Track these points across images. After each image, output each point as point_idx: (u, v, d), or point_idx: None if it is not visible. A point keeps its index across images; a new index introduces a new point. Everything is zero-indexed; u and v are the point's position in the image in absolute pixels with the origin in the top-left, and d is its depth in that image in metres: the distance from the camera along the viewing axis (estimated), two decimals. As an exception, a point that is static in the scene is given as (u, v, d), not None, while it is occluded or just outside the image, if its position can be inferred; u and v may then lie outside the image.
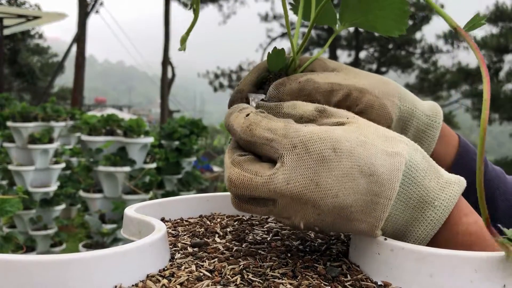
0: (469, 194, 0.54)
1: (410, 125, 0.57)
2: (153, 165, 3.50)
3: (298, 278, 0.45)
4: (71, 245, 4.71)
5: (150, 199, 3.42)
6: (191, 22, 0.53)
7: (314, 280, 0.45)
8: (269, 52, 0.53)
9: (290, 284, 0.43)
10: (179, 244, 0.53)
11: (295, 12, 0.56)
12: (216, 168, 8.19)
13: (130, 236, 0.55)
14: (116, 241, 2.88)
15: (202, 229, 0.59)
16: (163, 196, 3.93)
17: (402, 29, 0.53)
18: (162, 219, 0.63)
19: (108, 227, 3.00)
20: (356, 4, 0.53)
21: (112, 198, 3.20)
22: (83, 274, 0.40)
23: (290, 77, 0.52)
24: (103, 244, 2.81)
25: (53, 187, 3.87)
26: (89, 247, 3.10)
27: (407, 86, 14.28)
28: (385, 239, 0.46)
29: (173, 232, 0.58)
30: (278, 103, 0.50)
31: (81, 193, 3.32)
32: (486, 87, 0.41)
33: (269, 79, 0.54)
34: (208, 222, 0.63)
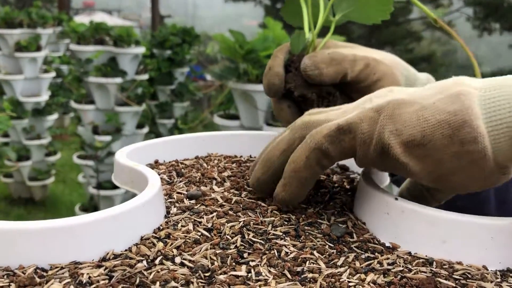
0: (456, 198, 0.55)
1: None
2: (145, 77, 3.41)
3: (302, 238, 0.43)
4: (66, 154, 4.75)
5: (144, 111, 3.38)
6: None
7: (318, 241, 0.42)
8: (292, 36, 0.59)
9: (294, 246, 0.41)
10: (175, 195, 0.49)
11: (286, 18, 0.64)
12: (209, 77, 8.04)
13: (122, 185, 0.52)
14: (110, 154, 2.87)
15: (199, 174, 0.56)
16: (157, 107, 3.89)
17: (386, 15, 0.58)
18: (156, 162, 0.60)
19: (101, 138, 2.99)
20: None
21: (105, 110, 3.15)
22: (71, 242, 0.37)
23: (317, 51, 0.57)
24: (96, 157, 2.81)
25: (44, 96, 3.80)
26: (83, 158, 3.11)
27: (408, -8, 13.69)
28: (396, 198, 0.43)
29: (168, 178, 0.55)
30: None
31: (73, 104, 3.26)
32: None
33: (294, 60, 0.58)
34: (204, 165, 0.59)
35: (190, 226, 0.43)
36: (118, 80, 3.07)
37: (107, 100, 3.14)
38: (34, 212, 3.90)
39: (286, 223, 0.45)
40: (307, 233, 0.44)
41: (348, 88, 0.58)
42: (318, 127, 0.44)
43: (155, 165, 0.59)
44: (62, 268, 0.36)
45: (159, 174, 0.55)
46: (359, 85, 0.57)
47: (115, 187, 3.08)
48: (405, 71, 0.60)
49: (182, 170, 0.57)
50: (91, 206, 3.20)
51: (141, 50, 3.24)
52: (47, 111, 3.86)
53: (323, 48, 0.59)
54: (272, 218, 0.46)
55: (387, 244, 0.43)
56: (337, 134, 0.42)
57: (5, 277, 0.35)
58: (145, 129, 3.36)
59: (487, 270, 0.39)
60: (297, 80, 0.56)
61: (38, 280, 0.35)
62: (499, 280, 0.37)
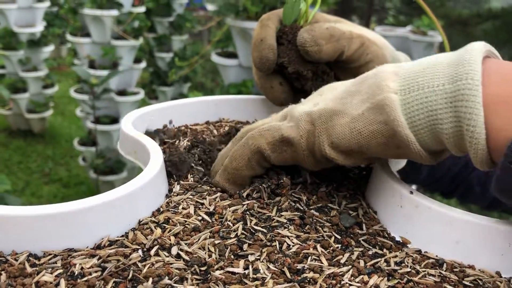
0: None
1: None
2: (142, 9, 3.29)
3: (306, 228, 0.40)
4: (63, 86, 4.69)
5: (141, 45, 3.29)
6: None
7: (325, 232, 0.40)
8: (285, 4, 0.53)
9: (297, 237, 0.39)
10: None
11: None
12: (210, 7, 7.75)
13: (126, 155, 0.50)
14: (106, 91, 2.82)
15: (208, 145, 0.53)
16: (155, 40, 3.78)
17: None
18: (165, 127, 0.57)
19: (98, 73, 2.92)
20: None
21: (101, 43, 3.06)
22: (65, 228, 0.35)
23: (314, 25, 0.52)
24: (93, 93, 2.75)
25: (39, 27, 3.69)
26: (80, 92, 3.06)
27: None
28: (411, 192, 0.41)
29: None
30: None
31: (69, 37, 3.16)
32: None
33: (286, 32, 0.53)
34: (215, 131, 0.57)
35: (191, 210, 0.41)
36: (114, 12, 2.96)
37: (103, 33, 3.04)
38: (33, 144, 3.91)
39: (293, 204, 0.43)
40: (314, 220, 0.41)
41: (337, 68, 0.55)
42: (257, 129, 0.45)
43: (164, 130, 0.56)
44: (55, 255, 0.35)
45: (164, 143, 0.53)
46: (351, 65, 0.54)
47: (112, 122, 3.06)
48: (392, 52, 0.58)
49: (190, 137, 0.54)
50: (89, 140, 3.18)
51: (138, -20, 3.10)
52: (42, 43, 3.76)
53: (312, 20, 0.54)
54: (279, 198, 0.43)
55: (397, 239, 0.41)
56: (280, 144, 0.44)
57: (-3, 264, 0.34)
58: (143, 64, 3.28)
59: (501, 277, 0.37)
60: (290, 54, 0.52)
61: (29, 270, 0.33)
62: None
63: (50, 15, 4.33)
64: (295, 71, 0.52)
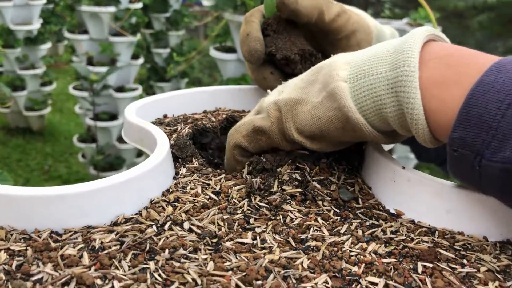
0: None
1: None
2: (139, 5, 3.30)
3: (307, 202, 0.43)
4: (61, 83, 4.70)
5: (138, 41, 3.31)
6: None
7: (325, 206, 0.43)
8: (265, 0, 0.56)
9: (299, 211, 0.42)
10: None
11: None
12: (205, 2, 7.72)
13: (131, 142, 0.53)
14: (105, 88, 2.84)
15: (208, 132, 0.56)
16: (152, 36, 3.80)
17: None
18: (165, 116, 0.60)
19: (96, 70, 2.94)
20: None
21: (99, 40, 3.07)
22: (83, 207, 0.38)
23: None
24: (92, 89, 2.78)
25: (36, 24, 3.70)
26: (79, 89, 3.08)
27: None
28: (403, 167, 0.44)
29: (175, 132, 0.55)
30: None
31: (66, 34, 3.18)
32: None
33: (270, 23, 0.56)
34: (213, 119, 0.59)
35: (199, 189, 0.44)
36: (111, 9, 2.97)
37: (101, 30, 3.06)
38: (32, 142, 3.93)
39: (296, 175, 0.45)
40: (315, 193, 0.44)
41: (327, 43, 0.58)
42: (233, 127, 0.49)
43: (164, 120, 0.59)
44: (75, 232, 0.38)
45: (167, 131, 0.56)
46: (338, 36, 0.57)
47: (112, 118, 3.08)
48: (377, 25, 0.60)
49: (190, 124, 0.57)
50: (89, 137, 3.21)
51: (134, -24, 3.11)
52: (39, 40, 3.77)
53: None
54: (279, 169, 0.45)
55: (392, 211, 0.44)
56: (254, 135, 0.48)
57: (22, 240, 0.36)
58: (140, 60, 3.30)
59: (488, 241, 0.40)
60: (277, 42, 0.55)
61: (53, 245, 0.36)
62: (498, 252, 0.38)
63: (47, 13, 4.33)
64: (283, 57, 0.55)
